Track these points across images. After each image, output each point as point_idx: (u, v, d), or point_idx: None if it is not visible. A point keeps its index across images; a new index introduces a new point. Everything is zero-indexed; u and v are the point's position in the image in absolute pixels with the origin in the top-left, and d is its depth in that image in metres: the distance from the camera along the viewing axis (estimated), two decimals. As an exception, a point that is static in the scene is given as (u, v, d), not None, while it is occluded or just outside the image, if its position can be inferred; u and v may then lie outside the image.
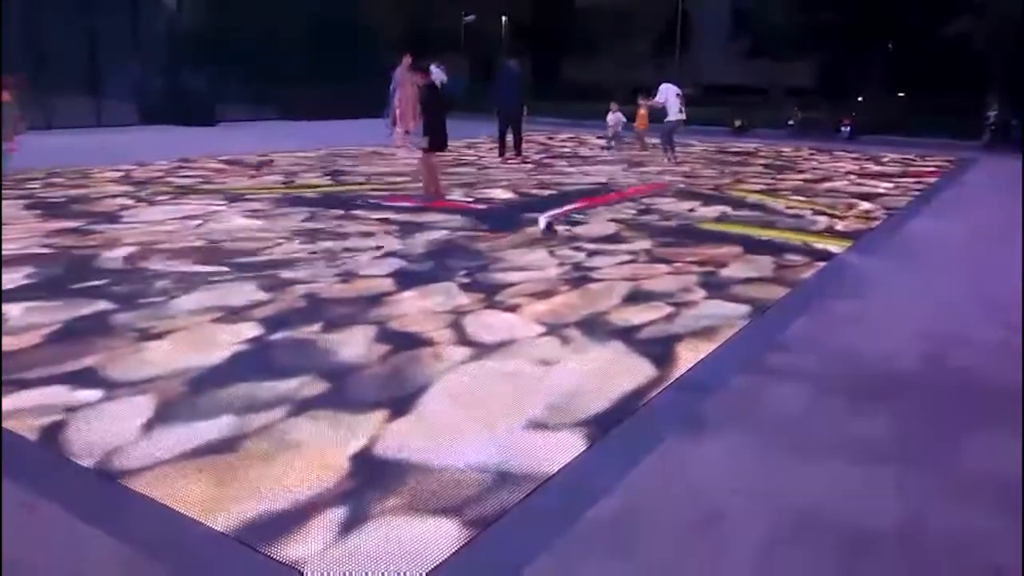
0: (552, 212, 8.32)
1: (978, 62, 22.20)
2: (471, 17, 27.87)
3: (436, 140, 8.75)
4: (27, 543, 2.44)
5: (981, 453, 3.17)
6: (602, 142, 16.13)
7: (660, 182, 11.15)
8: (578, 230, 7.49)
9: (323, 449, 3.02)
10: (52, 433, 3.10)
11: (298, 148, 14.32)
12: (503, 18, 33.21)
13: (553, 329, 4.49)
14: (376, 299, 5.02)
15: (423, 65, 9.62)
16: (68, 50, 17.90)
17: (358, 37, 23.11)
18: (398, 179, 10.72)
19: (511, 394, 3.57)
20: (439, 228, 7.38)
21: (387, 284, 5.40)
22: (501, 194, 9.69)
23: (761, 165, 13.81)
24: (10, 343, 4.05)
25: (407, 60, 13.13)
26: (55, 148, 13.46)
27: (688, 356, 4.13)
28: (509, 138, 13.51)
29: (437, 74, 18.81)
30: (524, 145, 13.94)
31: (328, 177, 10.81)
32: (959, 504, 2.78)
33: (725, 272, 5.99)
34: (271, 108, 21.42)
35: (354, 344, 4.17)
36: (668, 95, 13.13)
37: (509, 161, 13.10)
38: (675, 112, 13.17)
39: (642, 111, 15.17)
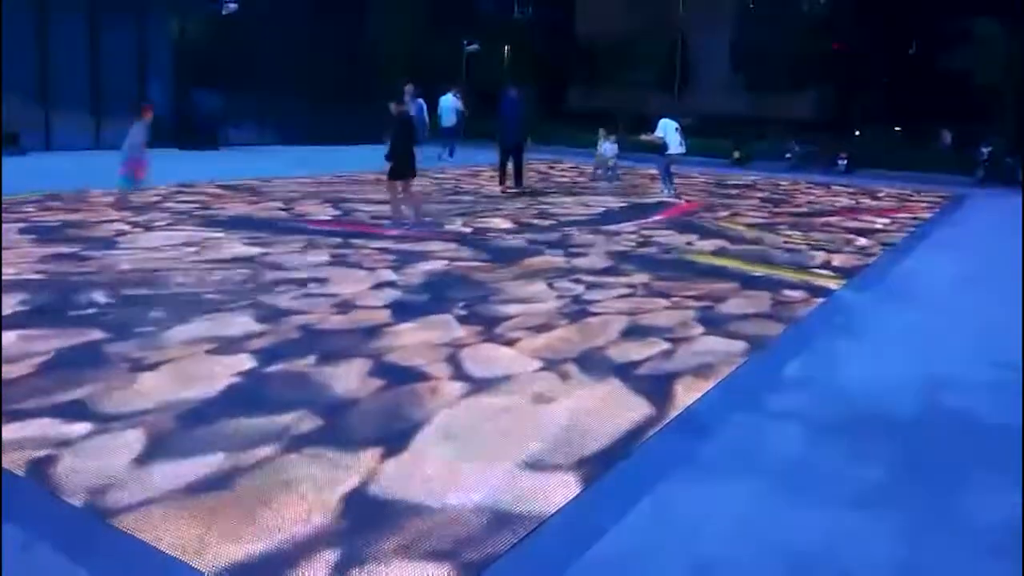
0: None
1: (976, 96, 22.41)
2: (474, 46, 28.08)
3: (398, 168, 8.96)
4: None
5: (980, 496, 3.14)
6: (599, 172, 16.17)
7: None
8: (577, 262, 7.49)
9: (315, 488, 2.98)
10: (41, 468, 3.05)
11: (300, 174, 14.35)
12: (506, 47, 33.57)
13: (551, 364, 4.47)
14: (373, 331, 4.99)
15: (398, 96, 9.85)
16: (70, 69, 17.99)
17: (363, 63, 23.27)
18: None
19: (508, 432, 3.54)
20: (436, 258, 7.37)
21: (384, 316, 5.37)
22: (500, 223, 9.70)
23: (759, 198, 13.87)
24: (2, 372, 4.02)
25: (409, 88, 13.34)
26: (53, 170, 13.49)
27: (685, 394, 4.10)
28: (510, 167, 13.53)
29: (454, 103, 19.19)
30: (524, 174, 13.97)
31: (328, 205, 10.82)
32: (959, 549, 2.74)
33: (723, 307, 5.98)
34: (274, 132, 21.51)
35: (349, 378, 4.13)
36: (667, 129, 13.23)
37: (509, 191, 13.14)
38: (676, 146, 13.25)
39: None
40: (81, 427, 3.41)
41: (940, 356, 5.04)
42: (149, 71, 19.61)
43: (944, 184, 17.56)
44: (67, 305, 5.33)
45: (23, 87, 17.32)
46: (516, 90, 13.65)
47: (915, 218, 12.00)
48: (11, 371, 4.03)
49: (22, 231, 8.00)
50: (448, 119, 19.23)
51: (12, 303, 5.31)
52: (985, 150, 18.65)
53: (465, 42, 28.30)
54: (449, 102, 19.21)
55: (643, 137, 14.37)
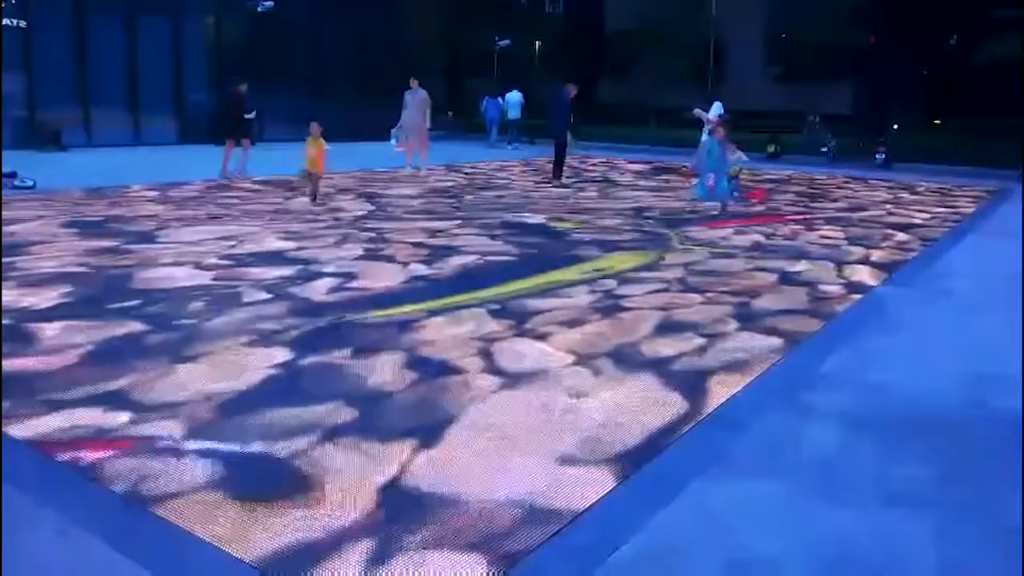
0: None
1: (1019, 87, 21.87)
2: (506, 42, 28.10)
3: (233, 132, 12.85)
4: (56, 569, 2.44)
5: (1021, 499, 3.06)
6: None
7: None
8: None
9: (351, 479, 3.00)
10: (80, 456, 3.11)
11: (334, 170, 14.43)
12: (536, 42, 33.53)
13: (584, 359, 4.45)
14: (405, 325, 5.02)
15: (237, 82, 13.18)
16: (109, 67, 18.34)
17: (396, 59, 23.41)
18: (419, 199, 10.78)
19: (541, 426, 3.53)
20: (468, 252, 7.38)
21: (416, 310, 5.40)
22: (532, 218, 9.69)
23: (794, 193, 13.68)
24: (45, 362, 4.11)
25: (415, 83, 14.09)
26: (95, 166, 13.76)
27: (720, 391, 4.06)
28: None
29: (519, 98, 20.68)
30: (563, 168, 14.11)
31: (364, 199, 10.89)
32: (1003, 552, 2.68)
33: (758, 303, 5.90)
34: (308, 128, 21.74)
35: (382, 371, 4.16)
36: (712, 115, 13.08)
37: (541, 186, 13.14)
38: (707, 135, 13.02)
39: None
40: (121, 416, 3.48)
41: (981, 354, 4.93)
42: (185, 68, 19.92)
43: (986, 178, 17.16)
44: (108, 297, 5.44)
45: (63, 85, 17.70)
46: (571, 85, 13.80)
47: (956, 213, 11.75)
48: (53, 362, 4.13)
49: (65, 225, 8.17)
50: (514, 113, 20.57)
51: (55, 295, 5.43)
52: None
53: (497, 38, 28.34)
54: (515, 98, 20.42)
55: (696, 111, 14.11)
